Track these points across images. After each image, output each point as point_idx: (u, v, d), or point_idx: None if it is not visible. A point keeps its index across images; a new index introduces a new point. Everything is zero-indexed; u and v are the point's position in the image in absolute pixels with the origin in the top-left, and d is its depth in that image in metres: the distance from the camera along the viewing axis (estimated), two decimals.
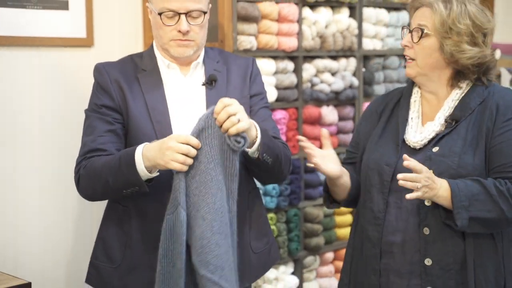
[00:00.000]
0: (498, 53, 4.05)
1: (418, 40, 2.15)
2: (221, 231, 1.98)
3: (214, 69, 2.29)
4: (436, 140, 2.14)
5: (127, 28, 3.04)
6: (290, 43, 3.05)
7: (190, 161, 1.96)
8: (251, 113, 2.29)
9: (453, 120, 2.14)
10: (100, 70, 2.26)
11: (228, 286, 2.00)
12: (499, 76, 4.14)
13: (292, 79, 3.08)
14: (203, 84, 2.26)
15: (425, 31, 2.14)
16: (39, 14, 2.76)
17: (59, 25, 2.82)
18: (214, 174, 1.99)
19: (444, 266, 2.09)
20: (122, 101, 2.20)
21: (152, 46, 2.32)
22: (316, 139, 3.16)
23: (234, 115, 1.97)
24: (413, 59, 2.18)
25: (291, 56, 3.09)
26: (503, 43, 4.44)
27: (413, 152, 2.16)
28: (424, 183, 1.99)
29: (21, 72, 2.76)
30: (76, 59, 2.89)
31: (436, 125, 2.16)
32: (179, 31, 2.18)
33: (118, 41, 3.01)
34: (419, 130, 2.20)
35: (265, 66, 2.98)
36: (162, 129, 2.17)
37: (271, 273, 3.05)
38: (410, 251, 2.12)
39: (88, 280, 2.32)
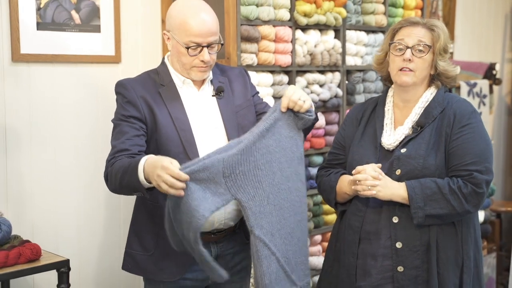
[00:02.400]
0: (458, 69, 4.12)
1: (425, 55, 2.17)
2: (275, 203, 2.06)
3: (219, 81, 2.30)
4: (404, 142, 2.17)
5: (149, 47, 3.07)
6: (285, 60, 3.06)
7: (176, 187, 1.87)
8: (256, 106, 2.35)
9: (418, 126, 2.17)
10: (126, 86, 2.21)
11: (275, 250, 2.04)
12: (458, 87, 4.13)
13: None
14: (213, 95, 2.27)
15: (432, 48, 2.17)
16: (76, 36, 2.80)
17: (92, 45, 2.85)
18: (278, 156, 2.07)
19: (412, 248, 2.12)
20: (149, 113, 2.17)
21: (164, 63, 2.29)
22: (306, 140, 3.17)
23: (299, 99, 2.07)
24: (412, 70, 2.17)
25: (286, 70, 3.09)
26: (462, 61, 4.48)
27: (387, 153, 2.20)
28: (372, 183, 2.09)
29: (60, 85, 2.80)
30: (106, 73, 2.92)
31: (405, 129, 2.20)
32: (202, 61, 2.16)
33: (142, 58, 3.03)
34: (392, 134, 2.22)
35: (264, 79, 2.99)
36: (186, 135, 2.17)
37: None
38: (383, 237, 2.15)
39: (125, 267, 2.32)
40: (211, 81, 2.29)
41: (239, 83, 2.35)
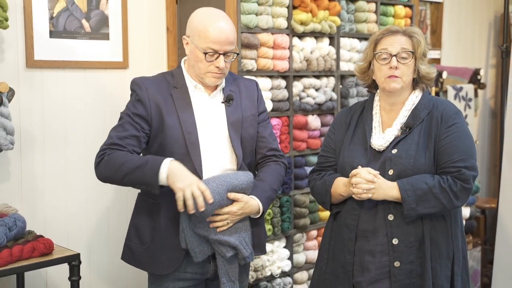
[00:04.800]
0: (445, 74, 4.13)
1: (409, 61, 2.17)
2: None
3: (230, 90, 2.28)
4: (394, 143, 2.16)
5: (154, 54, 3.07)
6: (283, 65, 3.06)
7: (191, 202, 2.04)
8: (259, 126, 2.32)
9: (407, 127, 2.17)
10: (140, 85, 2.20)
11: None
12: (446, 91, 4.13)
13: (284, 93, 3.08)
14: (223, 102, 2.26)
15: (414, 54, 2.17)
16: (86, 43, 2.80)
17: (102, 52, 2.85)
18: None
19: (407, 244, 2.11)
20: (156, 114, 2.16)
21: (180, 66, 2.27)
22: (303, 141, 3.19)
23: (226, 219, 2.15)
24: (398, 77, 2.16)
25: (283, 75, 3.09)
26: (449, 66, 4.49)
27: (378, 154, 2.19)
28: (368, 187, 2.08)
29: (71, 89, 2.80)
30: (114, 78, 2.93)
31: (394, 130, 2.19)
32: (217, 67, 2.15)
33: (147, 64, 3.04)
34: (381, 136, 2.21)
35: (263, 83, 2.99)
36: (191, 138, 2.16)
37: (267, 247, 3.03)
38: (380, 235, 2.14)
39: (123, 258, 2.33)
40: (223, 89, 2.28)
41: (249, 96, 2.33)
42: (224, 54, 2.15)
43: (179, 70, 2.27)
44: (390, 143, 2.18)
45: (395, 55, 2.16)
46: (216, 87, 2.25)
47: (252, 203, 2.19)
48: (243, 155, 2.26)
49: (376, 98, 2.31)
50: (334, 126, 2.37)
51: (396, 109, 2.24)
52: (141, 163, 2.07)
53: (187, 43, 2.21)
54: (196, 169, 2.15)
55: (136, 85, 2.22)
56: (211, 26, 2.13)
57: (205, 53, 2.14)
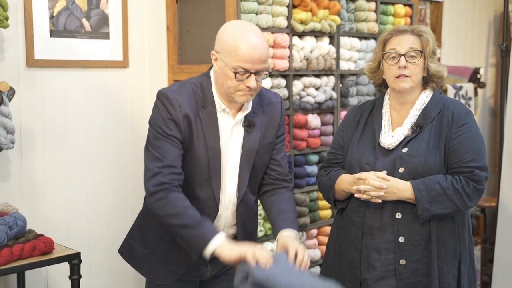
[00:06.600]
0: (446, 68, 4.11)
1: (417, 60, 2.15)
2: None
3: (254, 112, 2.14)
4: (405, 142, 2.16)
5: (155, 53, 3.07)
6: (283, 64, 3.05)
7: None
8: (275, 147, 2.22)
9: (417, 127, 2.16)
10: (173, 103, 2.03)
11: None
12: (445, 90, 4.14)
13: (284, 92, 3.07)
14: (243, 125, 2.14)
15: (423, 53, 2.15)
16: (87, 42, 2.80)
17: (102, 51, 2.85)
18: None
19: (414, 242, 2.11)
20: (188, 135, 2.05)
21: (209, 77, 2.11)
22: (303, 140, 3.19)
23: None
24: (407, 76, 2.15)
25: (283, 74, 3.09)
26: (449, 65, 4.48)
27: (387, 152, 2.18)
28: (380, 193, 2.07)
29: (71, 88, 2.80)
30: (114, 77, 2.93)
31: (404, 130, 2.18)
32: (248, 86, 2.01)
33: (147, 63, 3.04)
34: (390, 135, 2.21)
35: (263, 82, 2.89)
36: (215, 165, 2.07)
37: (267, 246, 3.03)
38: (387, 233, 2.14)
39: (121, 252, 2.29)
40: (247, 114, 2.15)
41: (272, 119, 2.20)
42: (256, 73, 2.01)
43: (208, 83, 2.11)
44: (400, 142, 2.18)
45: (403, 55, 2.16)
46: (241, 108, 2.13)
47: (292, 238, 2.07)
48: (252, 183, 2.19)
49: (386, 97, 2.31)
50: (344, 124, 2.37)
51: (406, 108, 2.23)
52: (194, 224, 1.96)
53: (215, 58, 2.05)
54: (214, 195, 2.10)
55: (168, 102, 2.04)
56: (242, 44, 1.97)
57: (236, 73, 1.99)
